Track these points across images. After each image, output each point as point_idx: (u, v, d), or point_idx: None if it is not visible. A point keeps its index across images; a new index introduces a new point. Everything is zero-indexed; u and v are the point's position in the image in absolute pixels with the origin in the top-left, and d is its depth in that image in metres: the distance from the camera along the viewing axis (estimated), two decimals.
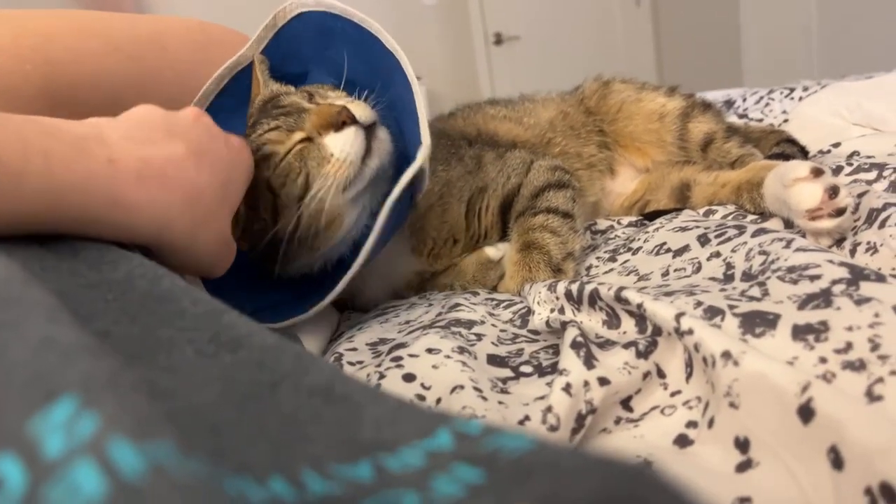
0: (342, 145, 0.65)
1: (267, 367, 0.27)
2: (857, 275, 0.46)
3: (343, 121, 0.65)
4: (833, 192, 0.64)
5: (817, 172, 0.65)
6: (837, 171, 0.80)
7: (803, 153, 0.99)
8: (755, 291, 0.50)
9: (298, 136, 0.68)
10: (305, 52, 0.79)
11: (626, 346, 0.48)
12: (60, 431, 0.17)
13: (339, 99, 0.71)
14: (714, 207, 0.86)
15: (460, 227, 0.86)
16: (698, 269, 0.64)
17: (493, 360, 0.55)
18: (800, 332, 0.42)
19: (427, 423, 0.23)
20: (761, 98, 1.41)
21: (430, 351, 0.54)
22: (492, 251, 0.84)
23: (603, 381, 0.44)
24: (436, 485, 0.20)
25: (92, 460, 0.16)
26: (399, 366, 0.52)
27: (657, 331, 0.48)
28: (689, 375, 0.45)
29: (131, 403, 0.18)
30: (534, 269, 0.76)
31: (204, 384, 0.25)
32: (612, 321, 0.54)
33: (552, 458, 0.20)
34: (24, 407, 0.18)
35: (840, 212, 0.63)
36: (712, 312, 0.47)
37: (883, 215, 0.60)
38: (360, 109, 0.67)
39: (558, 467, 0.19)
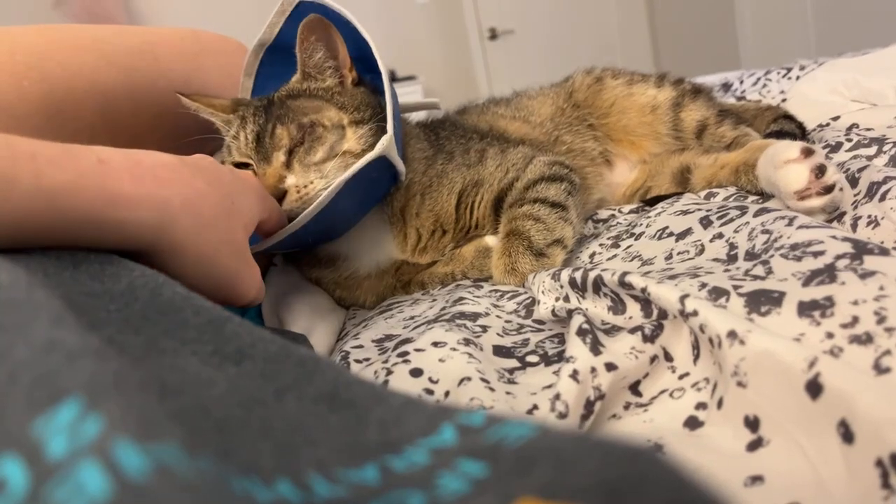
0: None
1: (270, 379, 0.27)
2: (861, 249, 0.46)
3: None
4: (820, 171, 0.64)
5: (807, 153, 0.66)
6: (837, 147, 0.79)
7: (801, 129, 0.98)
8: (759, 270, 0.49)
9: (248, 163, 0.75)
10: None
11: (633, 330, 0.48)
12: (65, 433, 0.17)
13: (280, 160, 0.74)
14: (715, 190, 0.85)
15: (449, 217, 0.85)
16: (701, 251, 0.64)
17: (499, 350, 0.55)
18: (805, 309, 0.42)
19: (431, 420, 0.24)
20: (758, 79, 1.41)
21: (435, 344, 0.54)
22: (492, 240, 0.84)
23: (610, 367, 0.44)
24: (441, 482, 0.20)
25: (96, 461, 0.16)
26: (406, 361, 0.52)
27: (663, 314, 0.48)
28: (696, 357, 0.45)
29: (137, 404, 0.18)
30: (514, 254, 0.75)
31: (211, 382, 0.25)
32: (618, 307, 0.54)
33: (553, 445, 0.20)
34: (29, 408, 0.18)
35: (828, 189, 0.63)
36: (717, 293, 0.47)
37: (883, 188, 0.59)
38: (292, 202, 0.71)
39: (559, 454, 0.19)
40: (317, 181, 0.71)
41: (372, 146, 0.74)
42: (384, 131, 0.72)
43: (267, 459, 0.21)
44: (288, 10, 0.78)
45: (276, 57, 0.84)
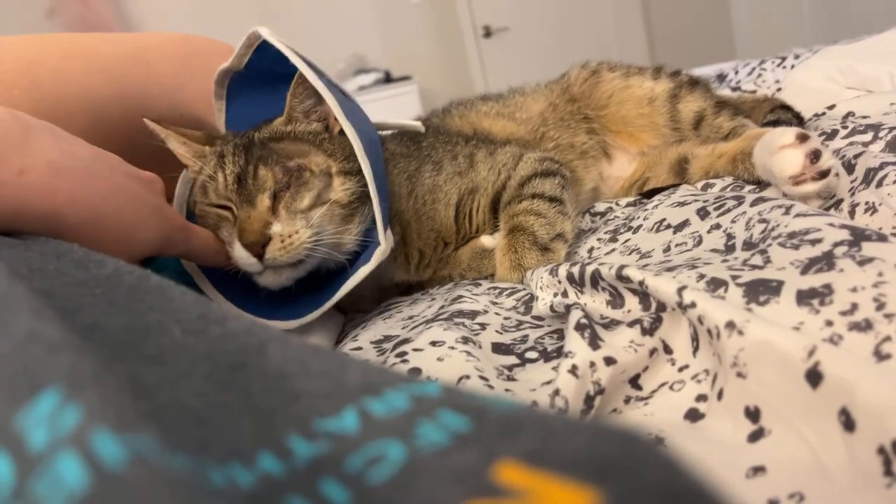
0: (240, 256, 0.68)
1: (255, 333, 0.26)
2: (859, 235, 0.45)
3: (252, 252, 0.67)
4: (815, 156, 0.64)
5: (802, 138, 0.65)
6: (833, 134, 0.79)
7: (798, 119, 0.98)
8: (757, 260, 0.49)
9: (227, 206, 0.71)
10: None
11: (631, 324, 0.47)
12: (44, 424, 0.17)
13: (265, 204, 0.69)
14: (712, 181, 0.85)
15: (450, 231, 0.85)
16: (699, 243, 0.63)
17: (498, 348, 0.55)
18: (804, 297, 0.42)
19: (414, 374, 0.23)
20: (753, 69, 1.40)
21: (434, 344, 0.53)
22: (487, 240, 0.84)
23: (609, 361, 0.44)
24: (421, 431, 0.19)
25: (74, 452, 0.16)
26: (404, 361, 0.52)
27: (661, 307, 0.48)
28: (695, 349, 0.45)
29: (115, 396, 0.18)
30: (520, 250, 0.75)
31: (190, 367, 0.24)
32: (616, 301, 0.54)
33: (541, 418, 0.20)
34: (11, 401, 0.18)
35: (823, 174, 0.63)
36: (715, 284, 0.46)
37: (880, 174, 0.59)
38: (276, 251, 0.66)
39: (548, 426, 0.19)
40: (302, 231, 0.67)
41: (359, 198, 0.72)
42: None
43: (247, 436, 0.21)
44: (255, 43, 0.74)
45: (245, 79, 0.80)
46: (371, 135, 0.78)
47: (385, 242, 0.69)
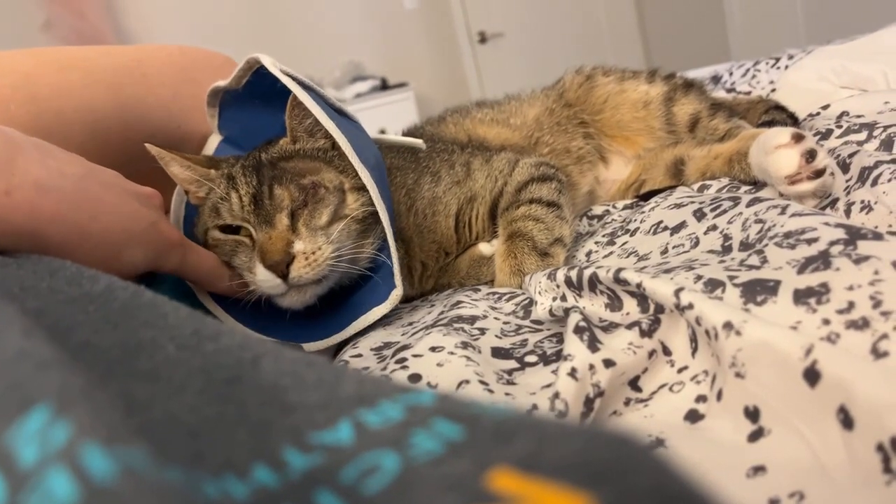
0: (263, 280, 0.68)
1: (249, 347, 0.26)
2: (854, 234, 0.46)
3: (276, 273, 0.67)
4: (810, 155, 0.64)
5: (798, 138, 0.66)
6: (827, 133, 0.79)
7: (793, 119, 0.99)
8: (754, 260, 0.49)
9: (245, 230, 0.70)
10: None
11: (630, 326, 0.47)
12: (35, 440, 0.17)
13: (284, 223, 0.69)
14: (708, 182, 0.85)
15: (451, 240, 0.85)
16: (696, 244, 0.64)
17: (498, 352, 0.55)
18: (801, 297, 0.42)
19: (410, 385, 0.23)
20: (748, 70, 1.41)
21: (433, 349, 0.53)
22: (485, 247, 0.84)
23: (608, 363, 0.44)
24: (415, 441, 0.20)
25: (64, 467, 0.16)
26: (404, 367, 0.52)
27: (660, 309, 0.48)
28: (694, 350, 0.45)
29: (105, 411, 0.18)
30: (520, 255, 0.75)
31: (185, 382, 0.25)
32: (614, 303, 0.54)
33: (537, 423, 0.20)
34: (1, 419, 0.18)
35: (819, 173, 0.64)
36: (713, 285, 0.47)
37: (874, 173, 0.59)
38: (301, 269, 0.67)
39: (543, 431, 0.19)
40: (325, 247, 0.68)
41: (372, 214, 0.72)
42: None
43: (242, 448, 0.21)
44: (254, 67, 0.73)
45: (239, 98, 0.80)
46: (379, 163, 0.78)
47: (400, 286, 0.70)
